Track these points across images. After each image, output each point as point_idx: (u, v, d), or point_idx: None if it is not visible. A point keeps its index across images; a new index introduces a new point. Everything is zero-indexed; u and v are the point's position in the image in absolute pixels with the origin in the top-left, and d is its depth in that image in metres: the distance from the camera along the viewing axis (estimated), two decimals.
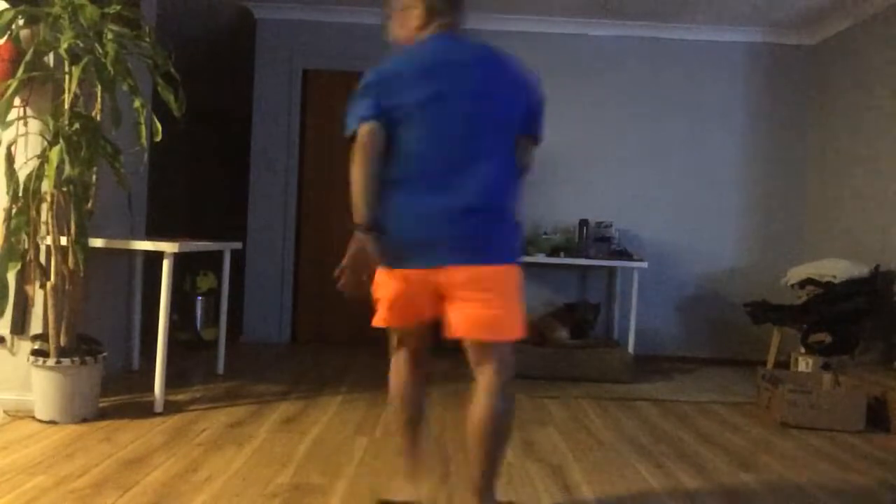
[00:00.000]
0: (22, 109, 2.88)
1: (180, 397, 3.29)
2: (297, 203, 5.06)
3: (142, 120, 2.92)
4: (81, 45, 2.77)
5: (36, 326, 3.01)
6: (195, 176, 7.18)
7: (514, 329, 1.78)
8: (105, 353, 2.95)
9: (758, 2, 4.46)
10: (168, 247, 3.02)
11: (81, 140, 2.76)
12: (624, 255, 4.67)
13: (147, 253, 3.63)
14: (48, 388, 2.79)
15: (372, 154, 1.74)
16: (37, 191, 2.78)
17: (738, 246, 5.08)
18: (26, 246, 2.81)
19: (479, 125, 1.78)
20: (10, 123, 2.78)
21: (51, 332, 2.81)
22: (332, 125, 4.93)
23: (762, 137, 5.08)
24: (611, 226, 4.80)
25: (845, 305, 3.85)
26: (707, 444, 2.94)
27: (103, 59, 2.74)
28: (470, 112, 1.77)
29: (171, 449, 2.53)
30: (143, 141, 2.94)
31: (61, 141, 2.68)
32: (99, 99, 2.90)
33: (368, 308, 1.94)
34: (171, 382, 3.05)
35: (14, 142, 2.85)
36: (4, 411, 2.93)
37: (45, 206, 2.83)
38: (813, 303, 4.03)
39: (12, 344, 3.03)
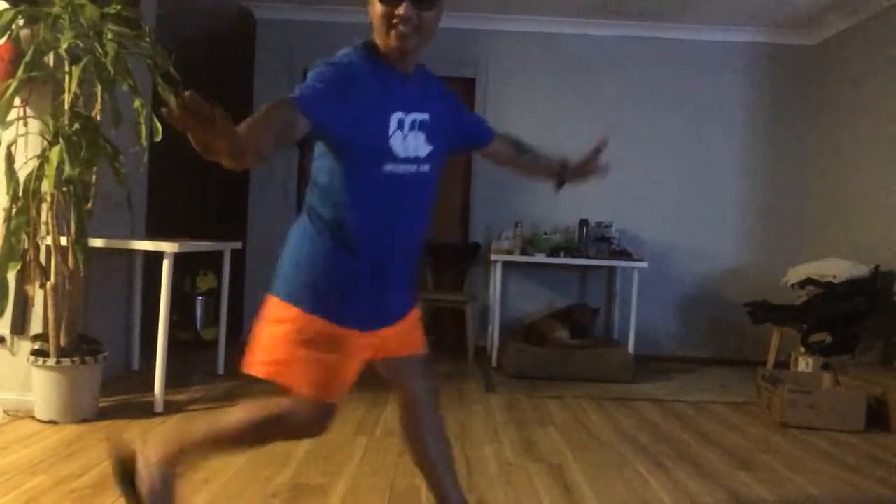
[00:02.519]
0: (22, 109, 2.87)
1: (180, 397, 3.29)
2: (297, 203, 5.06)
3: (142, 120, 2.91)
4: (81, 45, 2.76)
5: (36, 326, 3.01)
6: (195, 176, 7.17)
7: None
8: (105, 353, 2.95)
9: (758, 2, 4.46)
10: (168, 247, 3.02)
11: (81, 140, 2.76)
12: (624, 255, 4.67)
13: (147, 253, 3.63)
14: (48, 388, 2.79)
15: None
16: (37, 191, 2.77)
17: (738, 246, 5.08)
18: (26, 246, 2.80)
19: None
20: (10, 123, 2.78)
21: (51, 332, 2.81)
22: None
23: (762, 137, 5.07)
24: (611, 226, 4.80)
25: (845, 305, 3.85)
26: (707, 444, 2.94)
27: (103, 59, 2.73)
28: None
29: None
30: (143, 141, 2.94)
31: (61, 141, 2.68)
32: (99, 99, 2.89)
33: None
34: (171, 382, 3.05)
35: (14, 142, 2.85)
36: (4, 411, 2.93)
37: (45, 206, 2.82)
38: (813, 303, 4.03)
39: (12, 344, 3.03)
